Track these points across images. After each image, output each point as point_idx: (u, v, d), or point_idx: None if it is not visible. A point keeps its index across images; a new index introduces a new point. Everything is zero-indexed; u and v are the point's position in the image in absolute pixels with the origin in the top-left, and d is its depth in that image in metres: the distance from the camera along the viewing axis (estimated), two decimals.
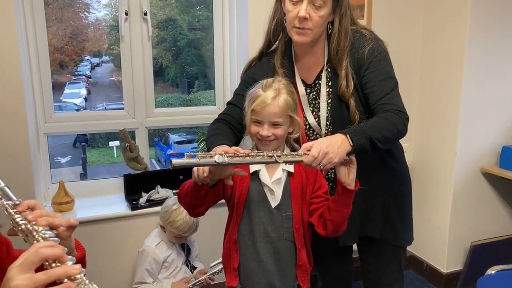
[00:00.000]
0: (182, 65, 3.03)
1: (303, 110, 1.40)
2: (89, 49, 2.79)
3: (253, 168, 1.24)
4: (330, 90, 1.36)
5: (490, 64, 2.23)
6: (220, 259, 1.78)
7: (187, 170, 2.24)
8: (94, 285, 0.67)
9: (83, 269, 0.68)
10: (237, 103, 1.39)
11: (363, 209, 1.42)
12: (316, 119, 1.39)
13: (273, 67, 1.39)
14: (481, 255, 2.31)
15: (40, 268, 0.67)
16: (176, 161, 1.01)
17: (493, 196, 2.41)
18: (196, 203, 1.19)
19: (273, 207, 1.25)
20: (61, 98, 3.76)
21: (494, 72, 2.24)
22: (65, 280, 0.65)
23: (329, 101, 1.36)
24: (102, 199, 2.14)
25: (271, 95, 1.20)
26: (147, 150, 2.27)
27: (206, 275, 1.87)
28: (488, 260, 1.88)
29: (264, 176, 1.25)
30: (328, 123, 1.38)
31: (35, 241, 0.70)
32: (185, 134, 4.29)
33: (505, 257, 2.19)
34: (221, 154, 1.03)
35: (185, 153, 1.02)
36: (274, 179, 1.25)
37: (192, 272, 1.94)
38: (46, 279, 0.64)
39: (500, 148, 2.31)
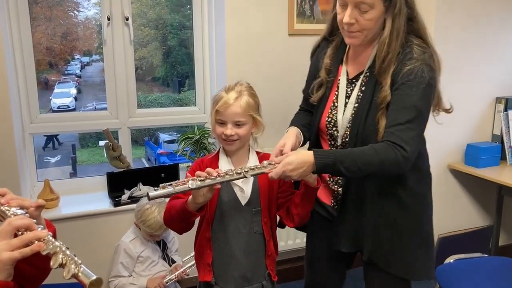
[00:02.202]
0: (173, 64, 3.02)
1: (333, 103, 1.36)
2: (79, 48, 2.78)
3: (222, 169, 1.30)
4: (361, 95, 1.29)
5: (454, 70, 2.33)
6: (192, 254, 1.89)
7: (169, 169, 2.33)
8: (59, 242, 0.80)
9: (50, 232, 0.81)
10: (305, 90, 1.48)
11: (356, 224, 1.35)
12: (340, 117, 1.34)
13: (323, 55, 1.39)
14: (447, 246, 2.43)
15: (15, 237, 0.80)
16: (153, 194, 1.08)
17: (459, 191, 2.54)
18: (186, 226, 1.31)
19: (243, 204, 1.33)
20: (50, 98, 3.79)
21: (458, 77, 2.35)
22: (36, 241, 0.79)
23: (356, 105, 1.30)
24: (87, 196, 2.22)
25: (233, 96, 1.29)
26: (130, 149, 2.36)
27: (180, 270, 1.94)
28: (454, 251, 1.98)
29: None
30: (348, 126, 1.31)
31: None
32: (175, 133, 4.29)
33: (469, 248, 2.32)
34: (193, 179, 1.12)
35: (161, 185, 1.10)
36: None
37: (171, 266, 2.02)
38: (20, 242, 0.78)
39: (465, 146, 2.43)
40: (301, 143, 1.43)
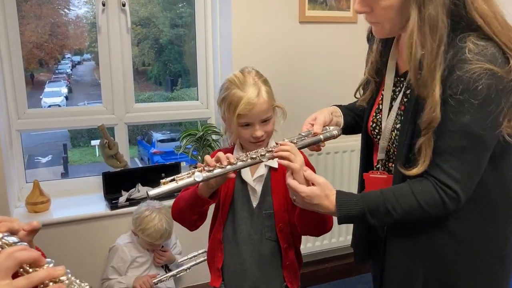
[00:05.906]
0: (165, 62, 2.99)
1: (379, 105, 1.09)
2: (70, 47, 2.75)
3: None
4: (406, 100, 1.01)
5: None
6: (199, 252, 1.75)
7: (170, 168, 2.19)
8: (85, 283, 0.62)
9: (67, 270, 0.62)
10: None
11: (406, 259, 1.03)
12: (384, 124, 1.07)
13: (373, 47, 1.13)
14: None
15: (15, 275, 0.60)
16: (153, 192, 0.93)
17: None
18: (199, 217, 1.16)
19: (254, 206, 1.20)
20: (41, 97, 3.68)
21: None
22: (50, 283, 0.59)
23: (399, 112, 1.03)
24: (81, 198, 2.07)
25: (254, 93, 1.12)
26: (127, 147, 2.20)
27: (170, 273, 1.81)
28: None
29: (246, 174, 1.19)
30: (393, 137, 1.03)
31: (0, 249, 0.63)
32: (168, 132, 4.23)
33: None
34: (200, 171, 0.98)
35: (162, 180, 0.94)
36: (256, 176, 1.19)
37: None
38: (28, 283, 0.58)
39: None
40: (342, 127, 1.17)
